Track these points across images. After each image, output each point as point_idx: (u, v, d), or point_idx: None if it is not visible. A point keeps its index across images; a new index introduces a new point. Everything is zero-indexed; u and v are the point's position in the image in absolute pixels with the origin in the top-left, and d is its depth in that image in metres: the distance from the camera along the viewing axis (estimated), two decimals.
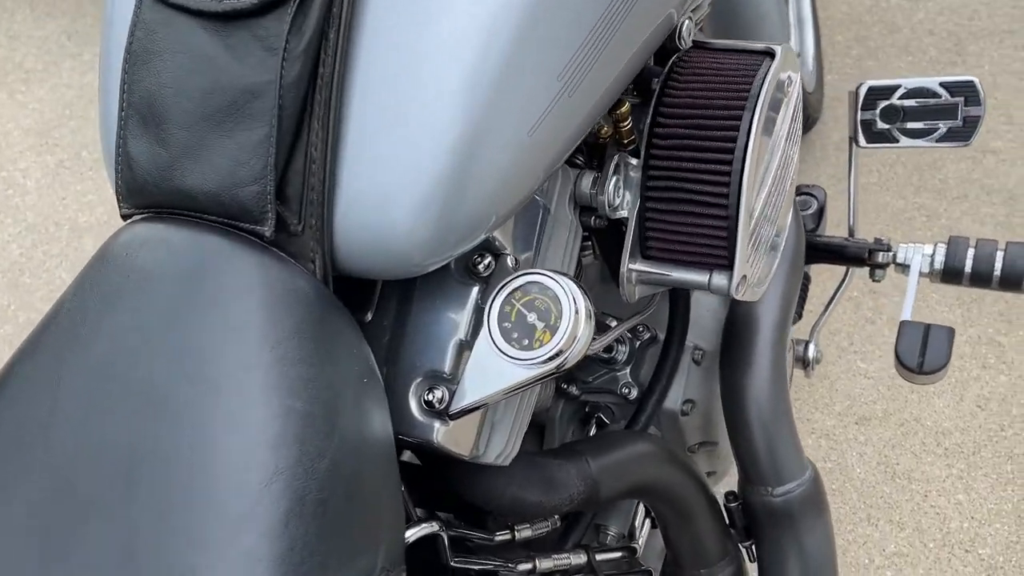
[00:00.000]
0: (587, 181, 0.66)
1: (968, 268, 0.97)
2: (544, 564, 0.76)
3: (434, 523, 0.62)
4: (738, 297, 0.66)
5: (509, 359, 0.55)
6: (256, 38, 0.50)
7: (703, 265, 0.66)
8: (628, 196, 0.67)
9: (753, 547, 0.84)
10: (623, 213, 0.67)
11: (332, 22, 0.50)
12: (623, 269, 0.67)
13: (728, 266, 0.65)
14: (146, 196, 0.53)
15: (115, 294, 0.51)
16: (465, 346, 0.58)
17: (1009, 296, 1.50)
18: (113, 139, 0.54)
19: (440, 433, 0.57)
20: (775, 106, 0.66)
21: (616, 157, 0.66)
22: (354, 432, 0.50)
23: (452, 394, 0.57)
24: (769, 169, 0.68)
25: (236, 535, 0.44)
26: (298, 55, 0.50)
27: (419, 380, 0.58)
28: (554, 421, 0.90)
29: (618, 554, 0.83)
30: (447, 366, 0.57)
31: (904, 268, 1.01)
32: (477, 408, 0.56)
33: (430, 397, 0.57)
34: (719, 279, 0.65)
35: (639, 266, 0.67)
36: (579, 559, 0.79)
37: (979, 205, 1.62)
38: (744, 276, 0.66)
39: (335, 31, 0.50)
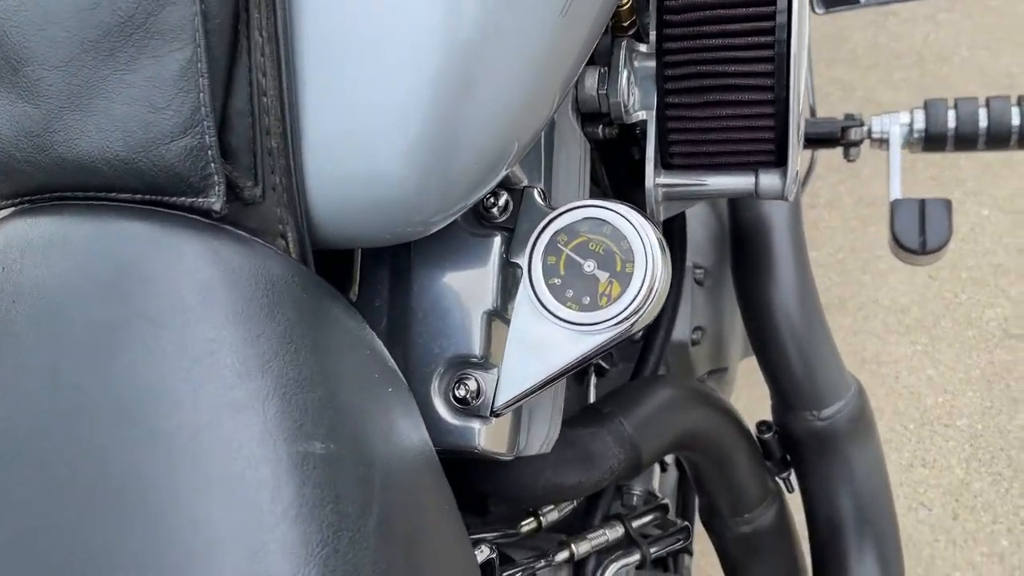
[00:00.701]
0: (591, 80, 0.52)
1: (951, 131, 0.89)
2: (581, 547, 0.65)
3: (484, 547, 0.48)
4: (791, 198, 0.54)
5: (567, 325, 0.41)
6: None
7: (745, 166, 0.54)
8: (640, 93, 0.53)
9: (792, 477, 0.75)
10: (640, 115, 0.53)
11: None
12: (648, 185, 0.53)
13: (777, 162, 0.53)
14: (17, 179, 0.36)
15: (1, 328, 0.34)
16: (496, 317, 0.43)
17: (939, 159, 1.46)
18: None
19: (482, 436, 0.43)
20: None
21: (624, 45, 0.52)
22: (397, 465, 0.36)
23: (488, 383, 0.43)
24: (803, 35, 0.55)
25: None
26: None
27: (441, 371, 0.43)
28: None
29: (651, 516, 0.72)
30: (477, 347, 0.43)
31: (881, 142, 0.92)
32: (529, 396, 0.42)
33: (462, 392, 0.43)
34: (769, 180, 0.53)
35: (666, 179, 0.54)
36: (615, 532, 0.68)
37: (891, 71, 1.56)
38: (796, 172, 0.53)
39: None
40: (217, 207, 0.34)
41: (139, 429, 0.31)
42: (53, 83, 0.34)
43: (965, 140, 0.88)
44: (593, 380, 0.78)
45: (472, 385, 0.43)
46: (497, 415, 0.43)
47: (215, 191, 0.34)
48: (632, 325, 0.41)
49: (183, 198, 0.34)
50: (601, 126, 0.54)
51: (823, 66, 1.59)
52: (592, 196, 0.66)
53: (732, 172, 0.54)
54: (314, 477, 0.32)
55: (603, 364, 0.78)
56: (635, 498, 0.77)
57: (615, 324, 0.40)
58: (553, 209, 0.42)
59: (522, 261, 0.42)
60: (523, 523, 0.65)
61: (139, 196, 0.34)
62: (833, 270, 1.38)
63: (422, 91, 0.36)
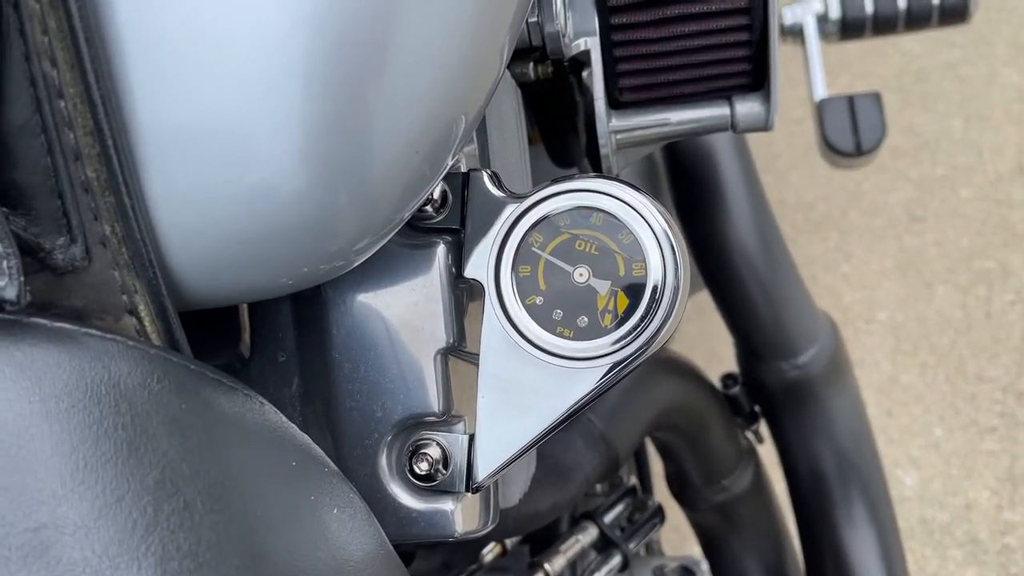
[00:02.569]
0: None
1: (870, 13, 0.81)
2: (556, 564, 0.55)
3: None
4: (774, 128, 0.43)
5: (560, 361, 0.29)
6: None
7: (714, 93, 0.42)
8: (576, 17, 0.41)
9: (759, 429, 0.67)
10: (581, 44, 0.40)
11: None
12: (601, 131, 0.42)
13: (755, 84, 0.42)
14: None
15: None
16: (453, 353, 0.31)
17: (836, 49, 1.39)
18: None
19: (460, 517, 0.31)
20: None
21: None
22: None
23: (455, 445, 0.31)
24: None
25: None
26: None
27: (390, 440, 0.31)
28: None
29: (622, 505, 0.63)
30: (433, 401, 0.31)
31: (796, 35, 0.83)
32: (518, 458, 0.31)
33: (424, 465, 0.31)
34: (748, 107, 0.42)
35: (620, 120, 0.43)
36: (589, 536, 0.58)
37: None
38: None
39: None
40: (11, 295, 0.21)
41: None
42: None
43: (885, 23, 0.81)
44: None
45: (435, 453, 0.31)
46: (477, 490, 0.31)
47: (2, 267, 0.21)
48: (654, 346, 0.29)
49: None
50: (532, 64, 0.42)
51: None
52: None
53: (700, 103, 0.43)
54: None
55: None
56: (599, 487, 0.67)
57: (630, 342, 0.29)
58: (513, 196, 0.30)
59: (482, 275, 0.30)
60: (485, 550, 0.54)
61: None
62: None
63: (312, 71, 0.23)
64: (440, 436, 0.31)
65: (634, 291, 0.29)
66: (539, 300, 0.30)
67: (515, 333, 0.30)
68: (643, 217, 0.29)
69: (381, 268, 0.31)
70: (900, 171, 1.30)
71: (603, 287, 0.29)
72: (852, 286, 1.22)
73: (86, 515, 0.20)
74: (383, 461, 0.31)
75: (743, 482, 0.65)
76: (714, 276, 0.61)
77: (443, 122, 0.26)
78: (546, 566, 0.55)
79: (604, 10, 0.40)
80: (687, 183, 0.61)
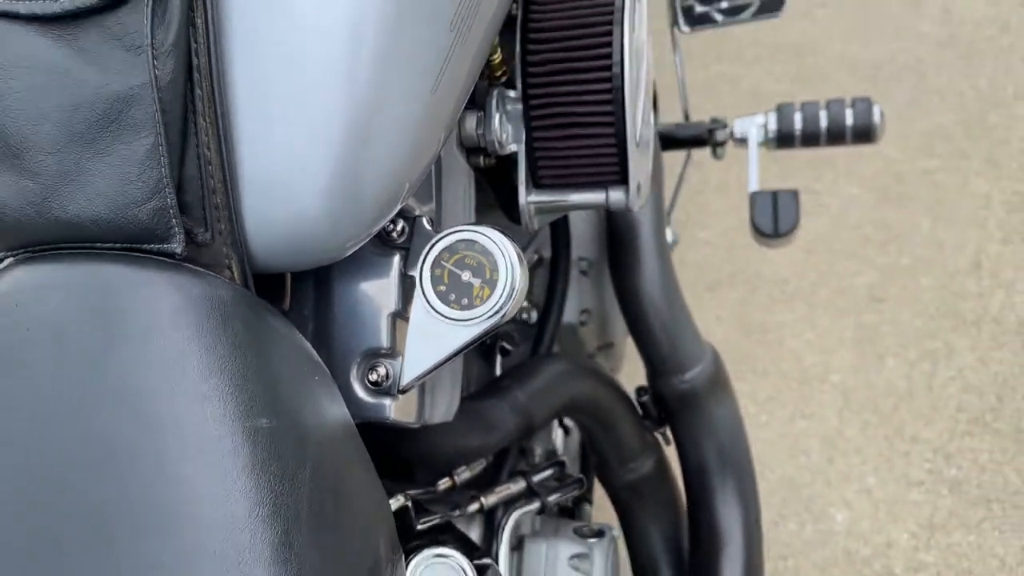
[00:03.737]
0: (471, 123, 0.65)
1: (798, 130, 1.03)
2: (490, 500, 0.78)
3: (400, 496, 0.61)
4: (636, 208, 0.68)
5: (451, 321, 0.54)
6: (113, 37, 0.44)
7: (597, 184, 0.67)
8: (511, 129, 0.66)
9: (668, 432, 0.89)
10: (512, 147, 0.66)
11: (196, 7, 0.45)
12: (522, 202, 0.67)
13: (622, 180, 0.66)
14: (19, 235, 0.47)
15: (17, 350, 0.45)
16: (398, 317, 0.56)
17: (824, 151, 1.62)
18: None
19: (392, 409, 0.56)
20: (633, 11, 0.67)
21: (495, 93, 0.65)
22: (322, 431, 0.48)
23: (395, 368, 0.55)
24: (641, 75, 0.68)
25: (240, 571, 0.42)
26: (168, 49, 0.45)
27: (358, 361, 0.56)
28: (460, 356, 0.90)
29: (550, 471, 0.86)
30: (384, 341, 0.56)
31: (742, 142, 1.06)
32: (426, 376, 0.55)
33: (374, 376, 0.55)
34: (616, 195, 0.67)
35: (536, 197, 0.67)
36: (519, 486, 0.81)
37: (772, 64, 1.72)
38: (639, 185, 0.67)
39: (201, 17, 0.45)
40: (179, 251, 0.46)
41: (133, 418, 0.43)
42: (48, 165, 0.45)
43: (810, 138, 1.03)
44: (499, 359, 0.91)
45: (382, 371, 0.55)
46: (403, 392, 0.55)
47: (176, 239, 0.46)
48: (502, 318, 0.54)
49: (153, 244, 0.46)
50: (482, 157, 0.67)
51: (711, 60, 1.74)
52: (480, 213, 0.80)
53: (588, 190, 0.67)
54: (262, 444, 0.44)
55: (507, 345, 0.92)
56: (537, 457, 0.90)
57: (488, 318, 0.53)
58: (437, 233, 0.55)
59: (416, 274, 0.55)
60: (440, 482, 0.78)
61: (119, 245, 0.46)
62: (723, 248, 1.53)
63: (329, 151, 0.48)
64: (386, 361, 0.56)
65: (492, 286, 0.53)
66: (443, 288, 0.54)
67: (428, 305, 0.54)
68: (499, 249, 0.53)
69: (365, 265, 0.56)
70: (868, 258, 1.50)
71: (477, 283, 0.54)
72: (813, 351, 1.43)
73: (201, 349, 0.45)
74: (353, 372, 0.56)
75: (647, 467, 0.87)
76: (630, 315, 0.84)
77: (394, 186, 0.51)
78: (482, 499, 0.78)
79: (529, 128, 0.65)
80: (617, 244, 0.85)
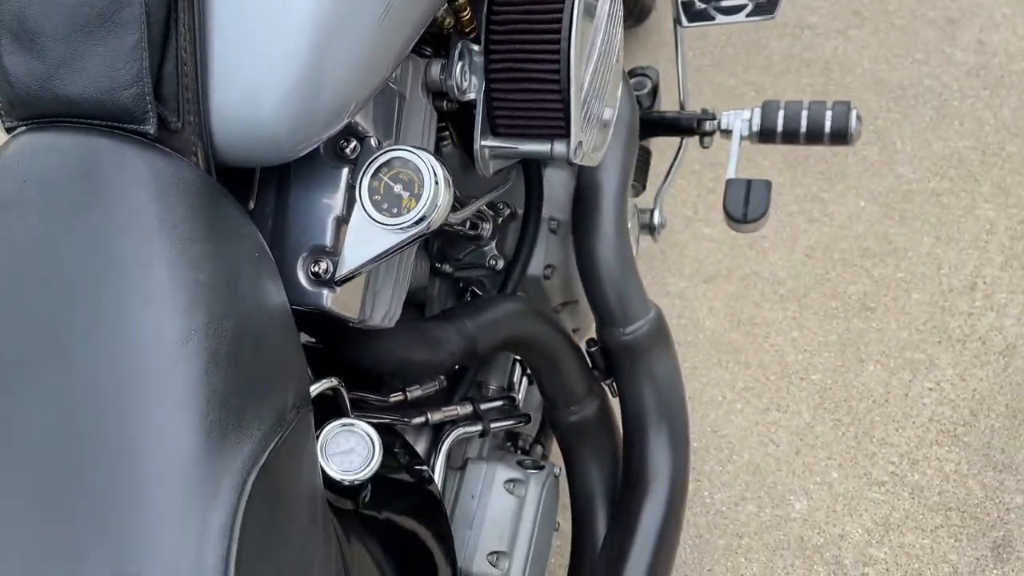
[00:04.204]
0: (436, 68, 0.74)
1: (779, 127, 1.10)
2: (435, 416, 0.87)
3: (333, 379, 0.70)
4: (576, 161, 0.76)
5: (382, 226, 0.63)
6: None
7: (545, 136, 0.76)
8: (475, 80, 0.75)
9: (614, 383, 0.97)
10: (471, 96, 0.75)
11: None
12: (476, 146, 0.76)
13: (566, 135, 0.75)
14: (29, 108, 0.58)
15: (14, 199, 0.56)
16: (342, 221, 0.65)
17: (828, 155, 1.67)
18: None
19: (329, 299, 0.65)
20: None
21: (460, 45, 0.74)
22: (253, 297, 0.58)
23: (335, 264, 0.65)
24: (594, 47, 0.77)
25: (162, 387, 0.51)
26: None
27: (305, 255, 0.65)
28: (433, 298, 0.99)
29: (499, 403, 0.94)
30: (328, 240, 0.65)
31: (727, 133, 1.13)
32: (360, 273, 0.65)
33: (316, 269, 0.65)
34: (559, 147, 0.75)
35: (490, 142, 0.76)
36: (466, 409, 0.90)
37: (800, 77, 1.78)
38: (580, 143, 0.75)
39: None
40: (151, 131, 0.56)
41: (99, 259, 0.53)
42: (55, 50, 0.56)
43: (789, 136, 1.10)
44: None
45: (324, 265, 0.65)
46: (339, 284, 0.65)
47: (150, 122, 0.56)
48: (424, 227, 0.63)
49: (131, 125, 0.56)
50: (445, 101, 0.76)
51: (740, 70, 1.80)
52: (451, 158, 0.89)
53: (536, 140, 0.76)
54: (198, 292, 0.54)
55: (476, 291, 1.00)
56: (491, 391, 0.99)
57: (413, 225, 0.62)
58: (381, 150, 0.65)
59: (357, 184, 0.64)
60: (392, 396, 0.87)
61: (104, 122, 0.57)
62: (726, 245, 1.59)
63: (291, 64, 0.57)
64: (328, 258, 0.65)
65: (418, 199, 0.62)
66: (378, 198, 0.63)
67: (365, 212, 0.63)
68: (427, 166, 0.62)
69: (319, 174, 0.66)
70: (865, 269, 1.55)
71: (406, 195, 0.63)
72: (797, 349, 1.48)
73: (161, 211, 0.55)
74: (299, 264, 0.65)
75: (590, 410, 0.94)
76: (584, 268, 0.92)
77: (342, 101, 0.60)
78: (428, 413, 0.87)
79: (488, 80, 0.74)
80: (580, 204, 0.93)
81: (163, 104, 0.57)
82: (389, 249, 0.63)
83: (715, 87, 1.80)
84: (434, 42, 0.79)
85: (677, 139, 1.21)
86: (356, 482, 0.62)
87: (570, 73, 0.72)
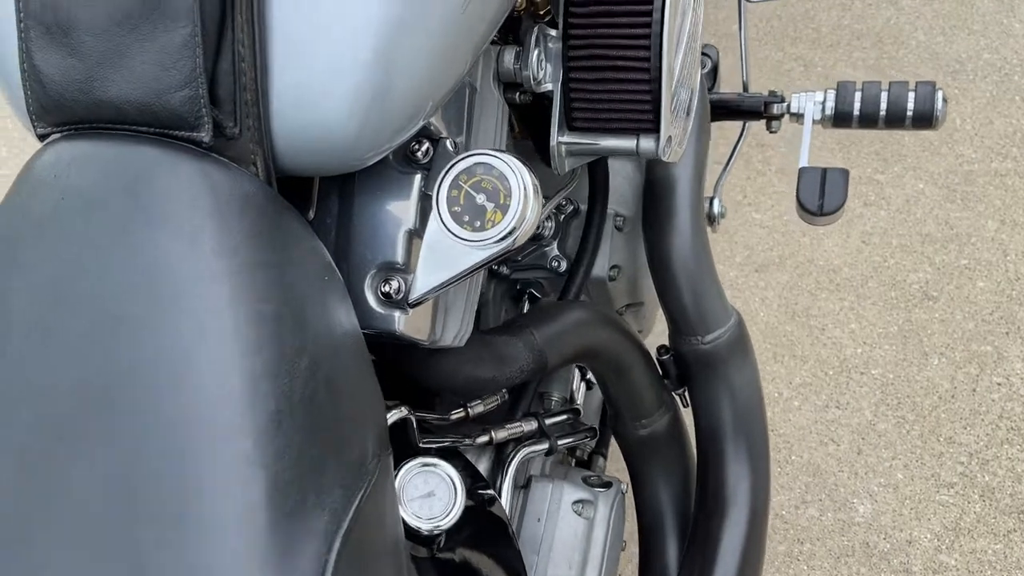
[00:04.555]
0: (509, 57, 0.66)
1: (856, 110, 1.02)
2: (499, 434, 0.80)
3: (403, 408, 0.63)
4: (665, 158, 0.68)
5: (463, 242, 0.55)
6: None
7: (629, 131, 0.68)
8: (550, 68, 0.67)
9: (686, 393, 0.89)
10: (548, 86, 0.67)
11: None
12: (552, 142, 0.68)
13: (654, 129, 0.67)
14: (64, 112, 0.50)
15: (51, 218, 0.49)
16: (415, 234, 0.58)
17: (883, 135, 1.59)
18: (9, 54, 0.50)
19: (401, 322, 0.58)
20: None
21: (535, 30, 0.66)
22: (325, 328, 0.51)
23: (408, 283, 0.57)
24: (683, 30, 0.69)
25: (228, 443, 0.44)
26: None
27: (373, 272, 0.58)
28: (488, 302, 0.92)
29: (563, 417, 0.87)
30: (399, 256, 0.58)
31: (798, 117, 1.05)
32: (437, 294, 0.57)
33: (387, 288, 0.57)
34: (646, 142, 0.67)
35: (567, 138, 0.68)
36: (530, 426, 0.83)
37: (851, 51, 1.69)
38: (670, 137, 0.67)
39: None
40: (206, 139, 0.49)
41: (147, 288, 0.46)
42: (93, 46, 0.48)
43: (867, 119, 1.02)
44: (527, 306, 0.93)
45: (395, 284, 0.57)
46: (412, 306, 0.57)
47: (205, 128, 0.49)
48: (511, 243, 0.55)
49: (183, 132, 0.49)
50: (517, 93, 0.68)
51: (787, 43, 1.71)
52: (512, 147, 0.81)
53: (619, 135, 0.68)
54: (264, 327, 0.47)
55: (535, 293, 0.93)
56: (553, 402, 0.92)
57: (498, 241, 0.55)
58: (458, 154, 0.57)
59: (433, 194, 0.56)
60: (453, 412, 0.80)
61: (152, 129, 0.49)
62: (777, 231, 1.52)
63: (361, 61, 0.50)
64: (399, 276, 0.57)
65: (504, 211, 0.55)
66: (458, 209, 0.56)
67: (443, 225, 0.56)
68: (516, 175, 0.55)
69: (388, 181, 0.58)
70: (926, 255, 1.47)
71: (490, 207, 0.55)
72: (856, 342, 1.41)
73: (217, 230, 0.47)
74: (367, 282, 0.58)
75: (661, 424, 0.88)
76: (658, 273, 0.85)
77: (418, 102, 0.52)
78: (492, 432, 0.80)
79: (566, 68, 0.66)
80: (652, 203, 0.86)
81: (219, 107, 0.49)
82: (471, 267, 0.56)
83: (760, 62, 1.71)
84: (504, 27, 0.70)
85: (737, 123, 1.13)
86: (439, 531, 0.56)
87: (661, 61, 0.64)
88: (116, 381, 0.46)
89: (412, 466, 0.57)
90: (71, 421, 0.45)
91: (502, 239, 0.55)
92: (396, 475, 0.57)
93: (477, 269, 0.56)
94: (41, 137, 0.52)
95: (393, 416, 0.62)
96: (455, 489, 0.56)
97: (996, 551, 1.21)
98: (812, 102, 1.04)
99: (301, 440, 0.45)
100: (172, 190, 0.48)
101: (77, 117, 0.50)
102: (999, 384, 1.33)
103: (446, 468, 0.57)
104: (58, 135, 0.51)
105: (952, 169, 1.53)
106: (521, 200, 0.54)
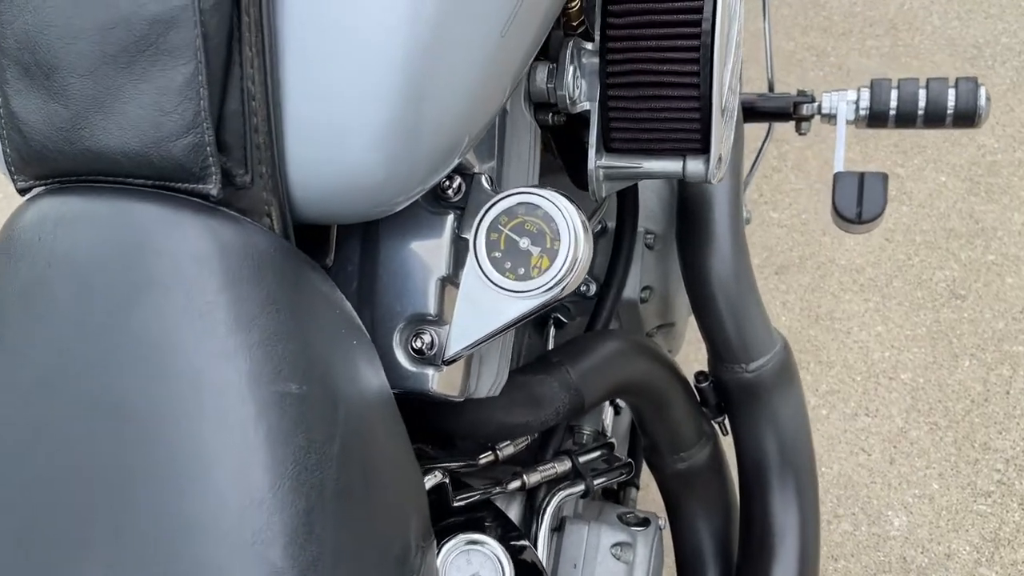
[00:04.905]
0: (542, 75, 0.59)
1: (893, 110, 0.96)
2: (532, 478, 0.74)
3: (437, 472, 0.57)
4: (715, 181, 0.62)
5: (506, 292, 0.49)
6: None
7: (675, 152, 0.61)
8: (586, 86, 0.61)
9: (726, 421, 0.84)
10: (584, 105, 0.60)
11: None
12: (591, 166, 0.61)
13: (702, 149, 0.60)
14: (47, 164, 0.43)
15: (37, 288, 0.42)
16: (448, 282, 0.52)
17: (914, 134, 1.53)
18: None
19: (435, 380, 0.51)
20: None
21: (570, 44, 0.60)
22: (357, 403, 0.44)
23: (441, 336, 0.51)
24: (731, 36, 0.62)
25: (255, 552, 0.38)
26: None
27: (402, 326, 0.52)
28: (512, 329, 0.85)
29: (597, 453, 0.81)
30: (432, 307, 0.51)
31: (830, 118, 0.99)
32: (475, 348, 0.51)
33: (418, 344, 0.51)
34: (695, 165, 0.61)
35: (606, 161, 0.62)
36: (564, 466, 0.77)
37: (864, 39, 1.62)
38: (720, 157, 0.61)
39: None
40: (214, 192, 0.42)
41: (151, 373, 0.40)
42: (80, 88, 0.41)
43: (905, 118, 0.95)
44: (552, 331, 0.87)
45: (427, 338, 0.51)
46: (447, 363, 0.51)
47: (212, 179, 0.42)
48: (560, 292, 0.49)
49: (187, 184, 0.42)
50: (551, 114, 0.62)
51: (798, 32, 1.65)
52: (545, 176, 0.74)
53: (664, 157, 0.61)
54: (289, 412, 0.40)
55: (561, 318, 0.87)
56: (585, 436, 0.86)
57: (545, 291, 0.49)
58: (497, 193, 0.50)
59: (470, 237, 0.50)
60: (481, 456, 0.74)
61: (151, 182, 0.42)
62: (796, 231, 1.46)
63: (387, 94, 0.43)
64: (432, 329, 0.51)
65: (552, 256, 0.48)
66: (498, 254, 0.49)
67: (481, 272, 0.49)
68: (564, 215, 0.48)
69: (416, 223, 0.52)
70: (952, 252, 1.41)
71: (536, 252, 0.49)
72: (883, 345, 1.35)
73: (230, 300, 0.41)
74: (396, 337, 0.51)
75: (701, 457, 0.82)
76: (696, 296, 0.79)
77: (453, 138, 0.46)
78: (524, 476, 0.74)
79: (604, 85, 0.59)
80: (688, 220, 0.79)
81: (227, 154, 0.43)
82: (514, 320, 0.50)
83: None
84: None
85: (762, 125, 1.07)
86: None
87: (712, 76, 0.57)
88: (124, 482, 0.39)
89: (454, 545, 0.51)
90: (64, 531, 0.38)
91: (550, 288, 0.48)
92: (438, 555, 0.51)
93: (524, 320, 0.50)
94: (22, 191, 0.45)
95: (429, 483, 0.56)
96: (502, 568, 0.50)
97: None
98: (844, 101, 0.98)
99: (337, 543, 0.39)
100: (177, 254, 0.42)
101: (63, 169, 0.43)
102: None
103: (493, 546, 0.51)
104: (42, 189, 0.45)
105: (975, 160, 1.47)
106: (572, 244, 0.48)
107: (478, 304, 0.50)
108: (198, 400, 0.40)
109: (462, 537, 0.52)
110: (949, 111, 0.94)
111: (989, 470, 1.24)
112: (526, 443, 0.76)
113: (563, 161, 0.70)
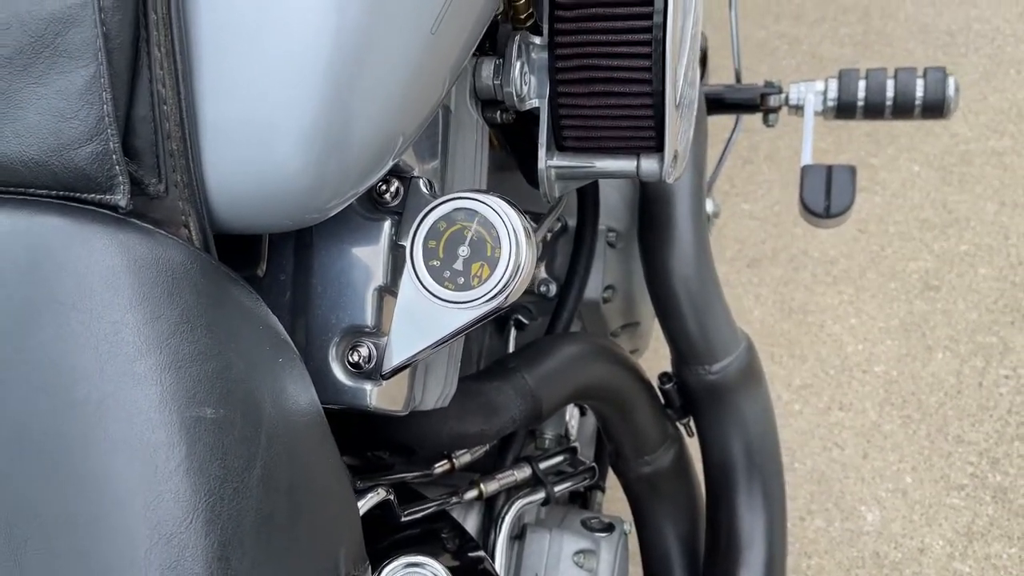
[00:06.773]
0: (487, 70, 0.57)
1: (861, 100, 0.94)
2: (490, 486, 0.72)
3: (380, 489, 0.54)
4: (670, 180, 0.59)
5: (444, 303, 0.46)
6: None
7: (628, 150, 0.59)
8: (534, 82, 0.58)
9: (691, 423, 0.82)
10: (533, 103, 0.58)
11: None
12: (541, 166, 0.59)
13: (657, 147, 0.58)
14: None
15: None
16: (386, 292, 0.49)
17: (887, 124, 1.51)
18: None
19: (373, 396, 0.49)
20: None
21: (517, 38, 0.57)
22: (282, 425, 0.42)
23: (380, 349, 0.48)
24: (686, 29, 0.60)
25: None
26: None
27: (338, 339, 0.49)
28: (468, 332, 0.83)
29: (560, 458, 0.79)
30: (369, 318, 0.49)
31: (797, 109, 0.97)
32: (415, 362, 0.48)
33: (355, 357, 0.48)
34: (649, 164, 0.58)
35: (558, 161, 0.59)
36: (523, 473, 0.75)
37: (837, 26, 1.60)
38: (675, 154, 0.59)
39: None
40: (123, 203, 0.39)
41: (53, 399, 0.37)
42: None
43: (873, 109, 0.94)
44: (513, 333, 0.84)
45: (364, 352, 0.48)
46: (386, 378, 0.49)
47: (120, 189, 0.39)
48: (503, 301, 0.46)
49: (93, 195, 0.39)
50: (499, 112, 0.59)
51: (770, 20, 1.63)
52: (497, 175, 0.72)
53: (617, 156, 0.59)
54: (204, 438, 0.37)
55: (522, 319, 0.85)
56: (547, 441, 0.84)
57: (486, 301, 0.46)
58: (435, 198, 0.48)
59: (407, 245, 0.47)
60: (437, 465, 0.71)
61: (53, 193, 0.39)
62: (769, 223, 1.44)
63: (313, 90, 0.40)
64: (370, 341, 0.49)
65: (493, 264, 0.46)
66: (436, 263, 0.47)
67: (419, 282, 0.47)
68: (504, 221, 0.46)
69: (352, 230, 0.49)
70: (925, 242, 1.40)
71: (476, 260, 0.46)
72: (856, 338, 1.34)
73: (140, 320, 0.38)
74: (332, 351, 0.49)
75: (666, 460, 0.80)
76: (658, 295, 0.76)
77: (386, 138, 0.43)
78: (481, 485, 0.72)
79: (554, 81, 0.57)
80: (648, 216, 0.77)
81: (137, 162, 0.40)
82: (454, 332, 0.47)
83: (742, 40, 1.62)
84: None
85: (729, 117, 1.04)
86: None
87: (665, 71, 0.55)
88: (21, 517, 0.36)
89: (392, 569, 0.48)
90: None
91: (492, 297, 0.46)
92: None
93: (465, 331, 0.48)
94: None
95: (370, 501, 0.53)
96: None
97: (1011, 555, 1.15)
98: (812, 92, 0.96)
99: None
100: (81, 270, 0.39)
101: None
102: (1006, 377, 1.27)
103: (434, 567, 0.48)
104: None
105: (948, 149, 1.46)
106: (513, 251, 0.46)
107: (416, 316, 0.47)
108: (104, 430, 0.37)
109: (402, 560, 0.49)
110: (918, 102, 0.92)
111: (962, 463, 1.22)
112: (484, 450, 0.73)
113: (516, 159, 0.68)
